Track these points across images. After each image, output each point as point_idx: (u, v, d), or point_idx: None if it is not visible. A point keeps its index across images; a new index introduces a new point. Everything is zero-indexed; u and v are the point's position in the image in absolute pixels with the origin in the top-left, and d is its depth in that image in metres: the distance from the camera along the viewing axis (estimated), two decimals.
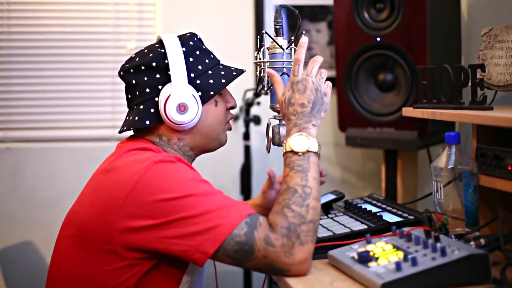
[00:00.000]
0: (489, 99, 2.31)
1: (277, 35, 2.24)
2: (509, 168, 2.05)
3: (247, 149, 3.69)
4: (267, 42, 2.24)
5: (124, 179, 1.92)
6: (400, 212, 2.35)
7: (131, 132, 2.19)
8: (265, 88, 2.23)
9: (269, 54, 2.23)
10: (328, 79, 2.14)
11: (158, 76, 2.10)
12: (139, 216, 1.87)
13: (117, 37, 3.85)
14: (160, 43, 2.15)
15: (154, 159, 1.93)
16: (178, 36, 2.16)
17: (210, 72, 2.16)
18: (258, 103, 3.62)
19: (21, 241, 3.68)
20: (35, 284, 3.66)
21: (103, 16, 3.84)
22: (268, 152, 2.27)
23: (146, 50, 2.16)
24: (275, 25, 2.25)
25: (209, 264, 1.97)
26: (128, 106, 2.18)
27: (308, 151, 1.98)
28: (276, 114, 2.25)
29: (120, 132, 2.17)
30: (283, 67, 2.19)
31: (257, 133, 3.83)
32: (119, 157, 2.02)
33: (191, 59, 2.13)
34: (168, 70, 2.08)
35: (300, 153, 1.97)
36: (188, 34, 2.19)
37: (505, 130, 2.17)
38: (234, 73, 2.21)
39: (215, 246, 1.83)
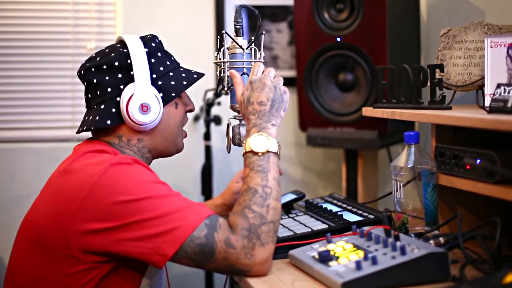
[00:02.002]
0: (447, 99, 2.33)
1: (237, 35, 2.24)
2: (468, 167, 2.07)
3: (207, 149, 3.68)
4: (227, 42, 2.24)
5: (81, 182, 1.90)
6: (360, 212, 2.36)
7: (89, 133, 2.18)
8: (225, 88, 2.23)
9: (229, 54, 2.23)
10: (288, 79, 2.16)
11: (120, 75, 2.09)
12: (96, 219, 1.86)
13: (77, 36, 3.82)
14: (122, 43, 2.14)
15: (111, 161, 1.92)
16: (140, 37, 2.15)
17: (171, 74, 2.16)
18: (219, 103, 3.62)
19: None
20: None
21: (63, 15, 3.80)
22: (229, 152, 2.27)
23: (107, 50, 2.15)
24: (235, 25, 2.25)
25: (170, 265, 1.96)
26: (87, 106, 2.16)
27: (268, 152, 1.98)
28: (236, 114, 2.25)
29: (78, 132, 2.15)
30: (243, 67, 2.20)
31: (218, 133, 3.82)
32: (75, 159, 2.00)
33: (153, 60, 2.12)
34: (131, 70, 2.07)
35: (260, 154, 1.98)
36: (149, 36, 2.18)
37: (464, 130, 2.19)
38: (195, 76, 2.21)
39: (174, 248, 1.82)
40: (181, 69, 2.21)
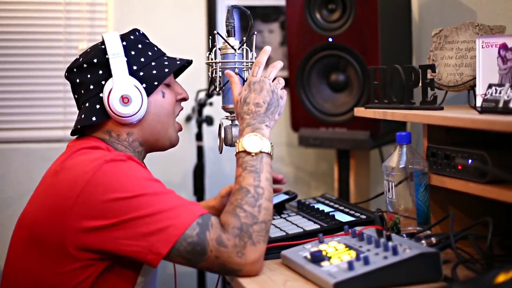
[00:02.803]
0: (439, 99, 2.33)
1: (229, 35, 2.24)
2: (459, 168, 2.07)
3: (199, 150, 3.68)
4: (219, 42, 2.24)
5: (74, 179, 1.90)
6: (352, 212, 2.36)
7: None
8: (217, 89, 2.23)
9: (221, 55, 2.23)
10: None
11: (100, 72, 2.10)
12: (91, 216, 1.86)
13: (68, 37, 3.81)
14: (103, 41, 2.15)
15: (104, 158, 1.92)
16: (121, 34, 2.15)
17: (153, 63, 2.16)
18: (211, 104, 3.62)
19: None
20: None
21: (55, 16, 3.80)
22: (221, 153, 2.28)
23: (89, 50, 2.17)
24: (227, 26, 2.25)
25: (165, 265, 1.96)
26: (78, 107, 2.17)
27: (261, 152, 1.98)
28: (228, 114, 2.26)
29: (72, 133, 2.16)
30: (235, 67, 2.20)
31: (210, 133, 3.82)
32: (69, 156, 2.00)
33: (132, 52, 2.12)
34: (110, 65, 2.08)
35: (253, 154, 1.98)
36: (130, 30, 2.19)
37: (456, 130, 2.19)
38: (178, 62, 2.20)
39: (167, 247, 1.82)
40: (165, 58, 2.21)
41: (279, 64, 2.16)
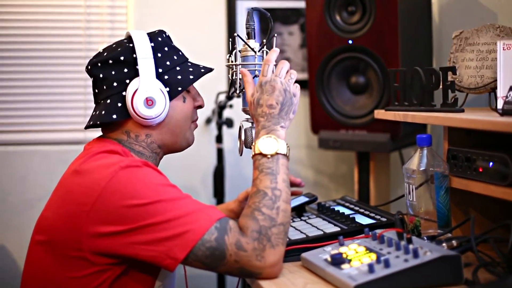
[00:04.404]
0: (460, 101, 2.32)
1: (249, 38, 2.24)
2: (480, 170, 2.06)
3: (219, 152, 3.68)
4: (239, 44, 2.24)
5: (91, 184, 1.90)
6: (372, 214, 2.35)
7: (99, 130, 2.19)
8: (237, 91, 2.23)
9: (241, 57, 2.23)
10: (300, 81, 2.15)
11: (126, 70, 2.09)
12: (107, 222, 1.86)
13: (89, 40, 3.83)
14: (129, 38, 2.15)
15: (120, 164, 1.92)
16: (147, 33, 2.15)
17: (178, 68, 2.16)
18: (231, 106, 3.62)
19: None
20: None
21: (75, 19, 3.82)
22: (241, 155, 2.27)
23: (114, 45, 2.16)
24: (247, 28, 2.25)
25: (180, 265, 1.96)
26: (95, 101, 2.17)
27: (277, 154, 1.98)
28: (248, 116, 2.25)
29: (86, 127, 2.16)
30: (255, 69, 2.19)
31: (230, 135, 3.82)
32: (86, 160, 1.99)
33: (159, 55, 2.12)
34: (136, 65, 2.08)
35: (269, 156, 1.97)
36: (156, 31, 2.18)
37: (476, 132, 2.18)
38: (202, 70, 2.20)
39: (185, 252, 1.82)
40: (189, 64, 2.21)
41: (287, 62, 2.15)
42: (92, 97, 2.19)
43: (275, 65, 2.12)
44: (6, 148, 3.77)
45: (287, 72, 2.12)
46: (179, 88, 2.13)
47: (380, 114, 2.61)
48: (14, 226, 3.73)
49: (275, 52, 2.13)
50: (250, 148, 2.20)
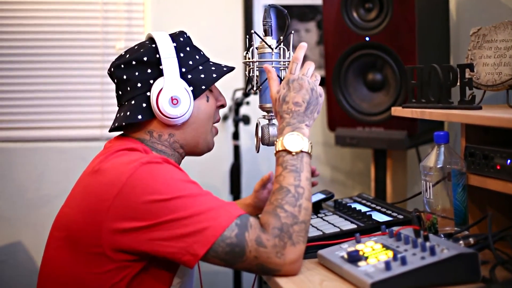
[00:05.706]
0: (477, 98, 2.31)
1: (266, 35, 2.24)
2: (498, 168, 2.05)
3: (236, 149, 3.69)
4: (256, 42, 2.24)
5: (111, 180, 1.91)
6: (389, 212, 2.35)
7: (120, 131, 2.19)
8: (254, 88, 2.23)
9: (258, 54, 2.23)
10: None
11: (149, 70, 2.10)
12: (127, 218, 1.86)
13: (106, 36, 3.84)
14: (150, 40, 2.16)
15: (141, 160, 1.92)
16: (169, 34, 2.16)
17: (201, 67, 2.17)
18: (248, 103, 3.63)
19: (10, 242, 3.68)
20: (25, 285, 3.67)
21: (92, 15, 3.84)
22: (258, 152, 2.27)
23: (136, 47, 2.17)
24: (264, 25, 2.25)
25: (200, 263, 1.97)
26: (119, 103, 2.17)
27: (301, 151, 1.98)
28: (265, 113, 2.25)
29: (111, 130, 2.16)
30: (273, 66, 2.19)
31: (247, 132, 3.83)
32: (106, 158, 2.00)
33: (182, 55, 2.13)
34: (160, 65, 2.09)
35: (293, 153, 1.97)
36: (177, 32, 2.19)
37: (494, 130, 2.17)
38: (225, 69, 2.21)
39: (205, 248, 1.82)
40: (211, 63, 2.22)
41: (312, 63, 2.15)
42: (109, 94, 2.21)
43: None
44: (23, 145, 3.79)
45: (313, 73, 2.12)
46: (203, 87, 2.14)
47: (397, 111, 2.60)
48: (31, 223, 3.74)
49: (302, 49, 2.13)
50: (267, 145, 2.20)
